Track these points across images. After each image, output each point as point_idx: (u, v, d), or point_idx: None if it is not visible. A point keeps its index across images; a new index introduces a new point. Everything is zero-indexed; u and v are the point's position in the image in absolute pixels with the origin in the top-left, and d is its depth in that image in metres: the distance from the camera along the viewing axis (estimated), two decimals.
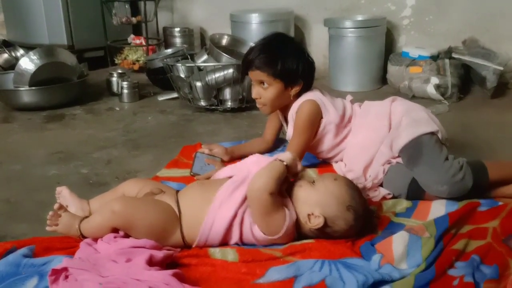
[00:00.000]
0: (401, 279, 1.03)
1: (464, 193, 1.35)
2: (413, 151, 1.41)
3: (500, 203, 1.32)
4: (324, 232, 1.15)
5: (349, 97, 1.66)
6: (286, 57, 1.49)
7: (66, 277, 0.99)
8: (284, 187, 1.17)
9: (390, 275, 1.03)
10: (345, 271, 1.04)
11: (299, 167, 1.21)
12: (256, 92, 1.54)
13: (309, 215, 1.14)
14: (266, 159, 1.20)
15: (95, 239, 1.13)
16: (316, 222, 1.13)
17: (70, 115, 2.47)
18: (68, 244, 1.15)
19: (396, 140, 1.45)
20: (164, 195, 1.18)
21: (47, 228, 1.18)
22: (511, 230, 1.18)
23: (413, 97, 2.65)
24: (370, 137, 1.50)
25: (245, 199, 1.13)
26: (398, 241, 1.11)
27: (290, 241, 1.16)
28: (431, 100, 2.58)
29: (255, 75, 1.52)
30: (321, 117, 1.55)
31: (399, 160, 1.47)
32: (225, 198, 1.14)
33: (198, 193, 1.17)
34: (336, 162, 1.63)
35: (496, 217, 1.23)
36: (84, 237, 1.15)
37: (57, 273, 0.98)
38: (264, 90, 1.52)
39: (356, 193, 1.17)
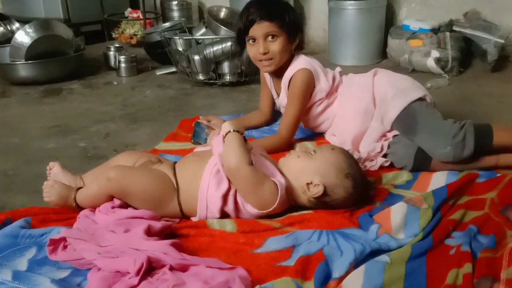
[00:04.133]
0: (398, 248, 1.03)
1: (469, 155, 1.33)
2: (407, 121, 1.40)
3: (499, 174, 1.32)
4: (323, 202, 1.15)
5: (338, 69, 1.66)
6: (288, 8, 1.52)
7: (65, 247, 1.00)
8: (255, 157, 1.16)
9: (387, 245, 1.04)
10: (342, 240, 1.04)
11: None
12: (264, 46, 1.49)
13: (308, 184, 1.14)
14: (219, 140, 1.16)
15: (93, 211, 1.13)
16: (316, 191, 1.13)
17: (67, 89, 2.45)
18: (65, 216, 1.16)
19: (386, 114, 1.44)
20: (162, 165, 1.18)
21: (45, 199, 1.17)
22: (509, 200, 1.18)
23: (413, 71, 2.63)
24: (354, 105, 1.49)
25: (229, 180, 1.12)
26: (396, 212, 1.12)
27: (284, 209, 1.16)
28: (431, 73, 2.56)
29: (262, 28, 1.48)
30: (314, 86, 1.54)
31: (396, 133, 1.46)
32: (211, 179, 1.12)
33: (194, 164, 1.17)
34: (323, 133, 1.65)
35: (494, 188, 1.23)
36: (80, 208, 1.15)
37: (55, 243, 0.99)
38: (271, 43, 1.49)
39: (353, 162, 1.18)
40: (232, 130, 1.13)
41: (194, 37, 2.34)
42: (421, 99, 1.42)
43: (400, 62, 2.73)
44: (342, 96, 1.57)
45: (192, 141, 1.55)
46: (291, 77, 1.53)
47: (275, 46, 1.49)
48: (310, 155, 1.17)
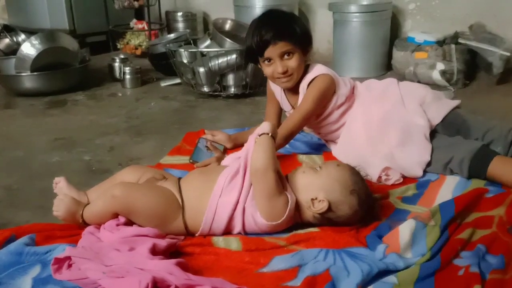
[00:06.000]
0: (406, 269, 1.02)
1: None
2: (456, 121, 1.50)
3: (505, 190, 1.30)
4: (327, 218, 1.14)
5: (348, 76, 1.68)
6: (297, 21, 1.52)
7: (69, 266, 0.99)
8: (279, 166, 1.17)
9: (394, 265, 1.02)
10: (349, 260, 1.03)
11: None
12: (283, 65, 1.49)
13: (312, 199, 1.13)
14: (253, 139, 1.18)
15: (98, 227, 1.12)
16: (320, 207, 1.12)
17: (72, 101, 2.46)
18: (69, 232, 1.15)
19: (431, 114, 1.50)
20: (166, 182, 1.18)
21: (54, 213, 1.16)
22: None
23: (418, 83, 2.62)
24: (379, 106, 1.54)
25: (243, 185, 1.13)
26: (404, 229, 1.10)
27: (290, 225, 1.15)
28: (436, 86, 2.55)
29: (277, 48, 1.47)
30: (334, 92, 1.55)
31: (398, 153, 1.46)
32: (225, 185, 1.13)
33: (199, 181, 1.17)
34: (332, 141, 1.65)
35: (501, 204, 1.21)
36: (86, 224, 1.15)
37: (60, 262, 0.98)
38: (288, 60, 1.49)
39: (359, 179, 1.17)
40: (268, 134, 1.15)
41: (199, 49, 2.34)
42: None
43: (405, 74, 2.72)
44: (362, 98, 1.58)
45: (190, 160, 1.53)
46: (310, 83, 1.53)
47: (293, 63, 1.49)
48: (315, 171, 1.17)
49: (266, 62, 1.51)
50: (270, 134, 1.15)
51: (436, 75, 2.57)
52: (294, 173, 1.20)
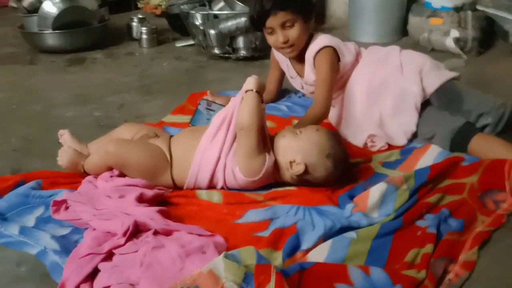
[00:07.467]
0: (368, 226, 1.10)
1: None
2: (451, 92, 1.52)
3: (480, 159, 1.34)
4: (304, 179, 1.23)
5: (353, 42, 1.70)
6: None
7: (67, 208, 1.12)
8: (265, 124, 1.24)
9: (358, 222, 1.11)
10: (316, 216, 1.12)
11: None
12: (284, 35, 1.50)
13: (291, 162, 1.21)
14: (239, 97, 1.24)
15: (96, 177, 1.25)
16: (298, 169, 1.21)
17: (91, 59, 2.58)
18: (72, 180, 1.29)
19: (427, 82, 1.52)
20: (158, 139, 1.28)
21: (58, 162, 1.30)
22: (488, 186, 1.22)
23: (432, 50, 2.60)
24: (379, 69, 1.57)
25: (225, 139, 1.21)
26: (375, 191, 1.17)
27: (267, 183, 1.24)
28: (450, 53, 2.53)
29: (278, 18, 1.49)
30: (339, 60, 1.57)
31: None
32: (208, 142, 1.22)
33: (188, 139, 1.26)
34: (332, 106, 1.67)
35: (475, 172, 1.26)
36: (87, 173, 1.28)
37: (58, 204, 1.12)
38: (289, 30, 1.51)
39: (336, 143, 1.24)
40: (253, 90, 1.21)
41: (210, 12, 2.40)
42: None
43: (420, 40, 2.70)
44: (364, 63, 1.62)
45: (190, 125, 1.60)
46: (315, 55, 1.55)
47: (294, 32, 1.51)
48: (295, 135, 1.24)
49: (268, 31, 1.55)
50: (255, 90, 1.20)
51: (449, 42, 2.54)
52: (277, 136, 1.28)
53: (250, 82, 1.23)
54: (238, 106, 1.22)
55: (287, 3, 1.48)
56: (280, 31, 1.51)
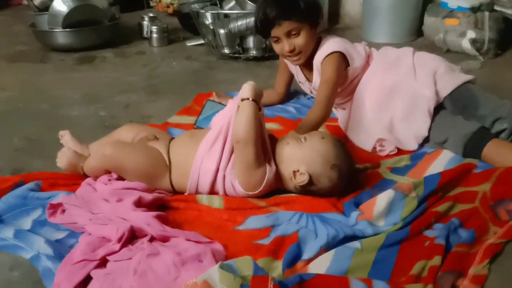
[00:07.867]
0: (373, 236, 1.06)
1: None
2: (465, 96, 1.47)
3: (494, 166, 1.29)
4: (308, 190, 1.18)
5: (364, 42, 1.65)
6: None
7: (63, 211, 1.10)
8: (263, 129, 1.19)
9: (362, 231, 1.06)
10: (320, 224, 1.08)
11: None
12: (289, 44, 1.46)
13: (294, 172, 1.17)
14: (235, 104, 1.18)
15: (95, 178, 1.23)
16: (301, 179, 1.16)
17: (100, 58, 2.57)
18: (72, 181, 1.26)
19: (441, 85, 1.48)
20: (157, 142, 1.25)
21: (57, 164, 1.28)
22: (502, 195, 1.17)
23: (448, 51, 2.53)
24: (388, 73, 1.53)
25: (223, 152, 1.17)
26: (382, 198, 1.13)
27: (270, 191, 1.20)
28: (466, 55, 2.46)
29: (283, 28, 1.44)
30: (348, 66, 1.53)
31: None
32: (205, 152, 1.18)
33: (186, 144, 1.22)
34: (341, 108, 1.64)
35: (487, 180, 1.20)
36: (86, 175, 1.25)
37: (54, 207, 1.10)
38: (295, 38, 1.47)
39: (342, 152, 1.18)
40: (250, 98, 1.14)
41: (219, 11, 2.37)
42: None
43: (435, 41, 2.63)
44: (376, 65, 1.57)
45: (195, 126, 1.57)
46: (323, 59, 1.51)
47: (300, 40, 1.46)
48: (299, 143, 1.19)
49: (273, 40, 1.50)
50: (251, 99, 1.15)
51: (465, 44, 2.47)
52: (280, 142, 1.22)
53: (246, 90, 1.16)
54: (234, 116, 1.16)
55: (291, 12, 1.43)
56: (285, 40, 1.47)
